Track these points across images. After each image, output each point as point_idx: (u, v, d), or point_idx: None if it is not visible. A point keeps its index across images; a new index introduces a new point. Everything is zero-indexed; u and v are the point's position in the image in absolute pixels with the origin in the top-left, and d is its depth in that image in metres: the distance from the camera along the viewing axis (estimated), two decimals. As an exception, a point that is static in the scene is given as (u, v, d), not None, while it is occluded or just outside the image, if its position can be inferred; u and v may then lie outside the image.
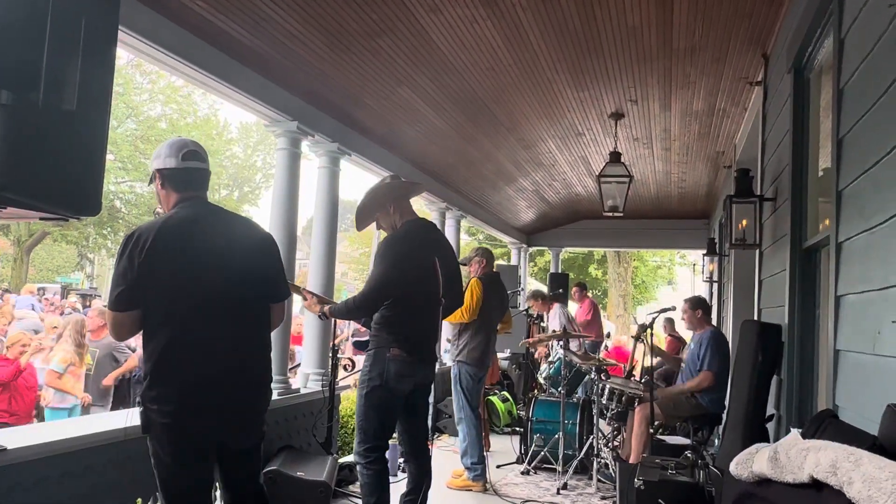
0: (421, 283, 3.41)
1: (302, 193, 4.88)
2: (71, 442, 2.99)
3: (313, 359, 5.13)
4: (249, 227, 2.64)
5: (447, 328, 7.78)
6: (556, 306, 8.20)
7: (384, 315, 3.35)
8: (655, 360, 5.31)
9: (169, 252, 2.29)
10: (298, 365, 5.49)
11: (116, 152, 20.12)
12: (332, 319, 4.23)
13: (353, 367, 5.60)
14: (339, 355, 4.92)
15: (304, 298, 3.62)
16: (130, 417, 3.50)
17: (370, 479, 3.34)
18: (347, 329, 11.56)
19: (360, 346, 3.71)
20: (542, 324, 8.02)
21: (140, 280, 2.25)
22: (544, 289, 10.25)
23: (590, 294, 10.42)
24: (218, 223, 2.48)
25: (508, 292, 5.66)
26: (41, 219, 1.38)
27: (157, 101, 22.49)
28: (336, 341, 4.91)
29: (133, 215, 22.21)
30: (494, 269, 5.41)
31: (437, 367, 6.97)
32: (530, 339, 6.43)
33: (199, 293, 2.35)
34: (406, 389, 3.36)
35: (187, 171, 2.45)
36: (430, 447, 3.67)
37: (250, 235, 2.58)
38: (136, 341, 6.39)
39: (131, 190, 22.41)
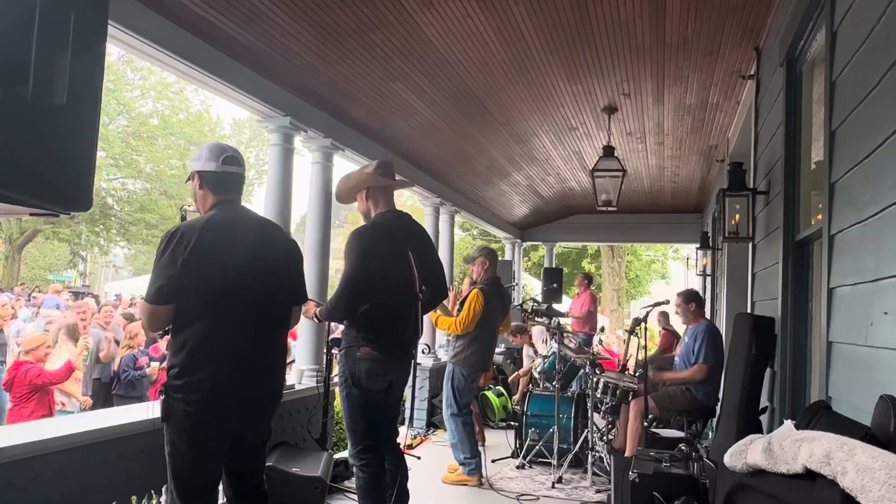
0: (391, 277, 3.28)
1: (295, 189, 4.86)
2: (65, 440, 2.98)
3: (308, 355, 5.12)
4: (279, 232, 2.81)
5: (439, 333, 7.81)
6: (536, 331, 8.40)
7: (354, 312, 3.27)
8: (649, 354, 5.32)
9: (210, 252, 2.41)
10: (293, 361, 5.48)
11: (108, 149, 20.00)
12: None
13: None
14: (332, 351, 4.91)
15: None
16: (126, 415, 3.51)
17: (365, 482, 3.29)
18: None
19: (335, 343, 3.66)
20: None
21: (181, 276, 2.36)
22: (539, 285, 10.26)
23: (592, 288, 10.42)
24: (253, 227, 2.64)
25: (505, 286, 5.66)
26: (32, 214, 1.37)
27: (149, 97, 22.36)
28: (329, 339, 4.90)
29: (125, 212, 22.10)
30: (496, 270, 5.36)
31: (432, 361, 7.03)
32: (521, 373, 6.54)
33: (233, 292, 2.47)
34: (380, 388, 3.30)
35: (226, 175, 2.60)
36: (400, 444, 3.62)
37: (280, 241, 2.75)
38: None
39: (123, 187, 22.30)
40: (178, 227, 2.46)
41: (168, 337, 2.52)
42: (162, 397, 2.44)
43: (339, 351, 3.37)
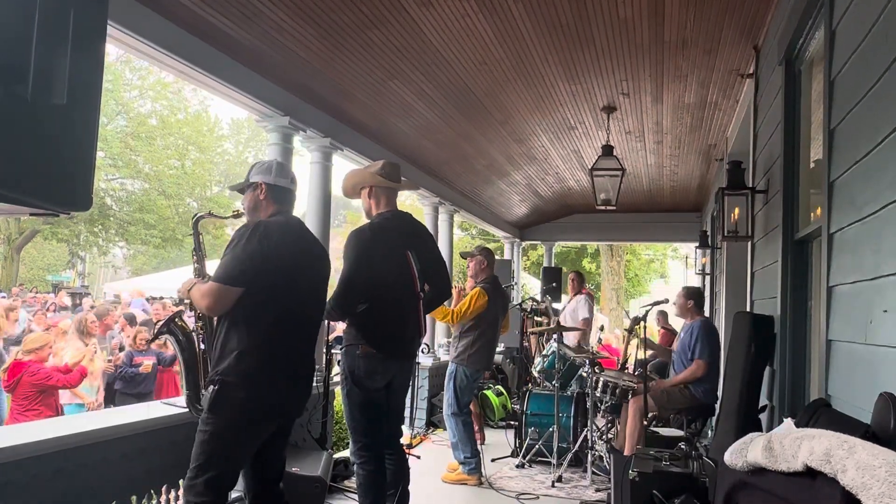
0: (389, 277, 3.31)
1: (294, 189, 4.85)
2: (65, 440, 2.97)
3: (307, 354, 5.11)
4: (318, 242, 3.01)
5: (441, 325, 7.80)
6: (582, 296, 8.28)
7: (350, 312, 3.30)
8: (648, 353, 5.32)
9: (286, 248, 2.65)
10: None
11: (107, 149, 19.98)
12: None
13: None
14: (332, 350, 4.92)
15: None
16: (125, 415, 3.51)
17: (365, 480, 3.30)
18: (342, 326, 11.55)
19: (336, 342, 3.69)
20: (536, 318, 8.05)
21: (263, 264, 2.55)
22: (538, 284, 10.24)
23: (586, 287, 10.41)
24: (307, 235, 2.91)
25: (502, 286, 5.66)
26: (31, 214, 1.37)
27: (148, 97, 22.36)
28: (330, 338, 4.89)
29: (124, 213, 22.08)
30: (494, 269, 5.36)
31: (432, 361, 7.03)
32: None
33: (294, 289, 2.67)
34: (379, 386, 3.30)
35: (291, 193, 2.89)
36: (411, 443, 3.64)
37: (321, 250, 2.98)
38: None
39: (122, 187, 22.29)
40: (260, 222, 2.68)
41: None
42: (214, 387, 2.53)
43: (341, 349, 3.38)
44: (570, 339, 7.55)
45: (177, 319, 2.88)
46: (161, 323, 2.92)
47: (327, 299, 3.07)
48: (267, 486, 2.78)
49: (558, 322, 6.10)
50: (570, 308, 8.40)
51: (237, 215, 3.07)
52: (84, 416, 4.51)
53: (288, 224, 2.75)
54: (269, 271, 2.56)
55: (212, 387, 2.54)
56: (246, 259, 2.54)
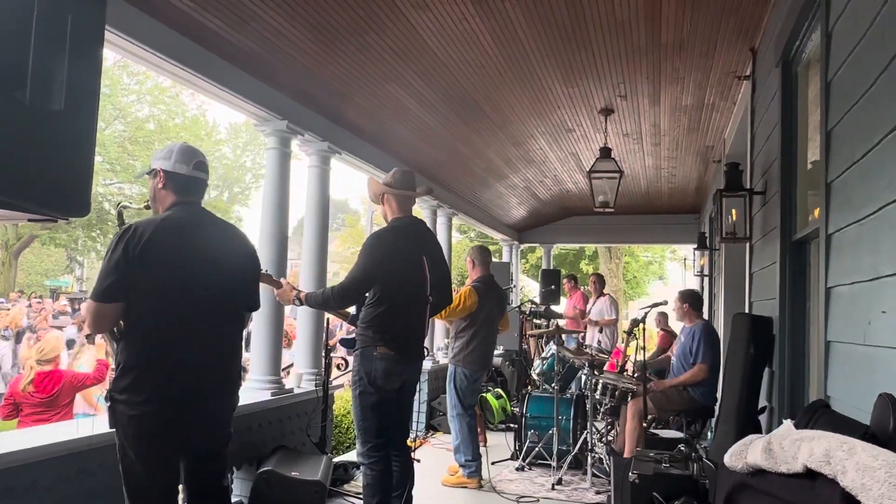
0: (406, 280, 3.40)
1: (292, 193, 4.86)
2: (63, 445, 2.96)
3: (306, 358, 5.11)
4: (238, 236, 2.73)
5: (440, 327, 7.79)
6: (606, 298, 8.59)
7: (369, 313, 3.34)
8: (648, 354, 5.32)
9: (164, 248, 2.35)
10: (291, 365, 5.47)
11: (104, 154, 19.97)
12: (315, 310, 4.40)
13: (347, 366, 5.58)
14: (331, 354, 4.91)
15: (279, 286, 3.57)
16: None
17: (373, 480, 3.33)
18: (340, 330, 11.52)
19: (346, 345, 3.68)
20: (536, 321, 8.05)
21: (131, 273, 2.29)
22: (537, 287, 10.27)
23: (581, 288, 10.43)
24: (212, 228, 2.58)
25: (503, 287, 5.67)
26: (29, 220, 1.37)
27: (145, 102, 22.34)
28: (332, 343, 4.89)
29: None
30: (489, 269, 5.34)
31: (430, 364, 7.01)
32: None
33: (186, 292, 2.41)
34: (395, 387, 3.36)
35: (194, 181, 2.56)
36: (410, 445, 3.67)
37: (239, 244, 2.68)
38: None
39: (120, 192, 22.24)
40: (132, 223, 2.38)
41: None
42: (108, 403, 2.36)
43: (354, 351, 3.40)
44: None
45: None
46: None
47: (257, 295, 2.82)
48: (206, 498, 2.60)
49: (557, 324, 6.10)
50: (596, 309, 9.12)
51: (147, 207, 2.68)
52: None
53: (169, 217, 2.45)
54: (142, 277, 2.30)
55: (108, 404, 2.37)
56: (112, 270, 2.28)
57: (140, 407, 2.32)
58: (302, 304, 3.52)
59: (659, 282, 26.88)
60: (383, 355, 3.30)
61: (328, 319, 5.08)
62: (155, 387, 2.34)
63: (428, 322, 3.60)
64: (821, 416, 1.93)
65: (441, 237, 8.21)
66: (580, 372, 5.69)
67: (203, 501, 2.60)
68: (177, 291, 2.38)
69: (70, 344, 7.72)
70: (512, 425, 6.52)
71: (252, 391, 4.45)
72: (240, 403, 2.76)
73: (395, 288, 3.35)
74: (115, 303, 2.31)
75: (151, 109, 22.54)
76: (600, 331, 8.98)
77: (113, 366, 2.41)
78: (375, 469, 3.33)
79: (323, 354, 4.92)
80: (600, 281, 9.43)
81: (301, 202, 5.48)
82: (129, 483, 2.38)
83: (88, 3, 1.34)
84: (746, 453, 1.66)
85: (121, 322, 2.38)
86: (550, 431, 5.32)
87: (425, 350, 3.61)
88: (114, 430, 2.38)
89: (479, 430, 5.90)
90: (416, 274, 3.45)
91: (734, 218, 4.14)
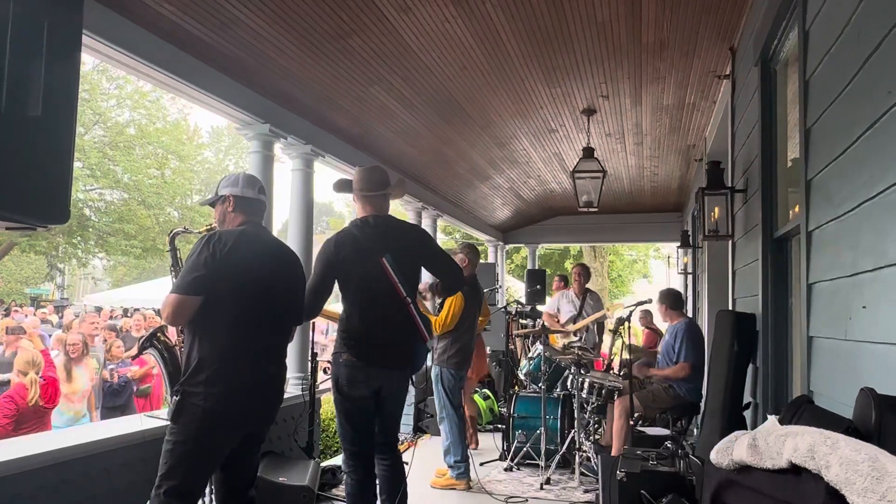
0: (363, 284, 3.22)
1: (276, 196, 4.83)
2: (44, 456, 2.92)
3: (293, 363, 5.08)
4: (293, 255, 3.02)
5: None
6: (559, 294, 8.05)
7: (340, 319, 3.30)
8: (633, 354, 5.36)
9: (244, 255, 2.64)
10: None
11: (84, 159, 19.72)
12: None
13: (333, 369, 5.55)
14: (318, 358, 4.89)
15: None
16: (108, 430, 3.46)
17: (352, 489, 3.28)
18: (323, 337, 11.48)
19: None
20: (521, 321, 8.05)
21: (217, 272, 2.55)
22: (522, 287, 10.23)
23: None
24: (274, 246, 2.91)
25: (486, 290, 5.67)
26: (8, 228, 1.35)
27: (125, 106, 22.07)
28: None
29: (103, 223, 21.79)
30: (475, 269, 5.35)
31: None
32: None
33: (255, 298, 2.66)
34: (362, 395, 3.23)
35: (259, 203, 2.91)
36: (400, 452, 3.51)
37: (294, 263, 2.98)
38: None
39: (101, 198, 21.98)
40: (217, 231, 2.70)
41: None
42: (176, 397, 2.54)
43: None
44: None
45: (159, 334, 2.87)
46: (144, 338, 2.90)
47: (303, 311, 3.07)
48: (237, 494, 2.77)
49: (543, 324, 6.11)
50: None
51: (211, 229, 3.00)
52: (66, 432, 4.43)
53: (245, 230, 2.75)
54: (225, 277, 2.56)
55: (174, 397, 2.56)
56: (200, 266, 2.54)
57: (213, 399, 2.52)
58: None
59: (644, 280, 27.04)
60: (347, 362, 3.22)
61: (313, 323, 5.05)
62: (228, 382, 2.56)
63: (417, 323, 3.30)
64: (804, 411, 1.95)
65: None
66: (567, 371, 5.70)
67: (239, 484, 2.78)
68: (251, 295, 2.64)
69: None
70: (500, 426, 6.52)
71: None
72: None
73: (352, 292, 3.24)
74: (197, 296, 2.53)
75: (132, 114, 22.28)
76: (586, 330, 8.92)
77: (184, 360, 2.61)
78: (353, 478, 3.27)
79: (309, 358, 4.90)
80: (586, 273, 8.66)
81: (285, 205, 5.45)
82: (174, 473, 2.49)
83: (65, 7, 1.32)
84: (732, 450, 1.67)
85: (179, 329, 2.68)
86: (538, 431, 5.34)
87: (415, 355, 3.42)
88: (169, 423, 2.55)
89: (470, 433, 5.92)
90: (376, 277, 3.23)
91: (716, 216, 4.18)
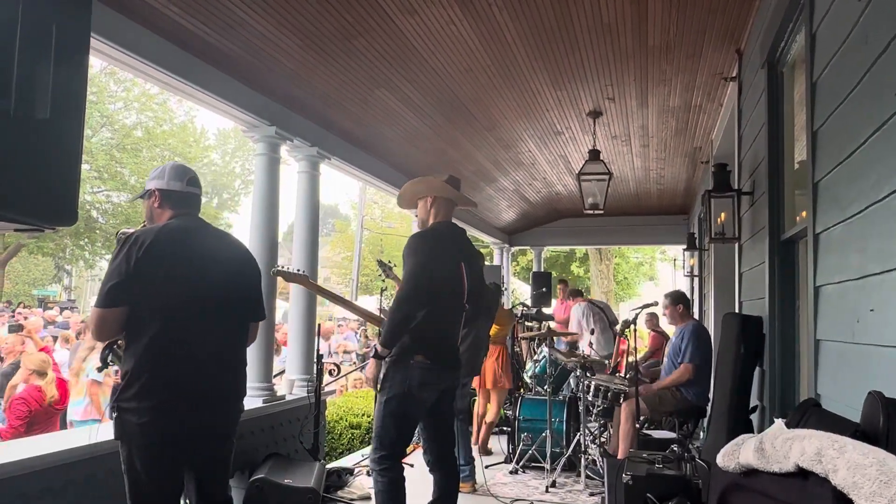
0: (446, 286, 3.24)
1: (282, 198, 4.84)
2: (54, 456, 2.93)
3: (298, 365, 5.09)
4: (237, 246, 2.75)
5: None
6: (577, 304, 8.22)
7: (405, 319, 3.12)
8: (639, 355, 5.34)
9: (165, 255, 2.38)
10: (283, 371, 5.45)
11: (92, 162, 19.84)
12: (306, 316, 4.47)
13: (339, 372, 5.58)
14: (323, 360, 4.89)
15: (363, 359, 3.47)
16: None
17: (384, 487, 3.19)
18: (336, 339, 11.49)
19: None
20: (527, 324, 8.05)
21: (134, 277, 2.31)
22: (528, 289, 10.25)
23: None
24: (210, 238, 2.62)
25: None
26: (16, 230, 1.35)
27: (132, 109, 22.21)
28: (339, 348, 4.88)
29: (110, 225, 21.89)
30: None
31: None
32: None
33: (187, 298, 2.42)
34: (430, 398, 3.22)
35: (188, 196, 2.63)
36: (456, 454, 3.47)
37: (238, 254, 2.71)
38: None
39: (108, 199, 22.10)
40: (134, 231, 2.43)
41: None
42: (114, 414, 2.34)
43: (390, 357, 3.15)
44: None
45: (115, 346, 2.59)
46: (103, 349, 2.64)
47: (261, 306, 2.79)
48: None
49: (549, 326, 6.10)
50: (559, 308, 9.13)
51: (119, 241, 2.65)
52: (71, 432, 4.44)
53: (168, 225, 2.49)
54: (145, 281, 2.32)
55: (114, 414, 2.36)
56: (114, 274, 2.31)
57: (149, 414, 2.31)
58: (386, 349, 3.15)
59: (650, 283, 26.97)
60: (420, 364, 3.12)
61: (319, 325, 5.06)
62: (162, 394, 2.34)
63: (459, 330, 3.40)
64: (811, 414, 1.94)
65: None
66: (571, 375, 5.69)
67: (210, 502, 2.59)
68: (179, 296, 2.39)
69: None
70: (505, 429, 6.51)
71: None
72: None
73: (435, 293, 3.15)
74: (117, 307, 2.32)
75: (139, 116, 22.41)
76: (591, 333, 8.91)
77: (120, 374, 2.41)
78: (386, 476, 3.18)
79: (315, 360, 4.91)
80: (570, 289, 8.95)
81: (291, 207, 5.47)
82: (135, 493, 2.36)
83: (73, 10, 1.33)
84: (739, 453, 1.67)
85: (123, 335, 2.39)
86: (544, 434, 5.32)
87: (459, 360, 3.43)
88: (118, 440, 2.37)
89: (482, 436, 5.89)
90: (456, 280, 3.29)
91: (723, 218, 4.16)
